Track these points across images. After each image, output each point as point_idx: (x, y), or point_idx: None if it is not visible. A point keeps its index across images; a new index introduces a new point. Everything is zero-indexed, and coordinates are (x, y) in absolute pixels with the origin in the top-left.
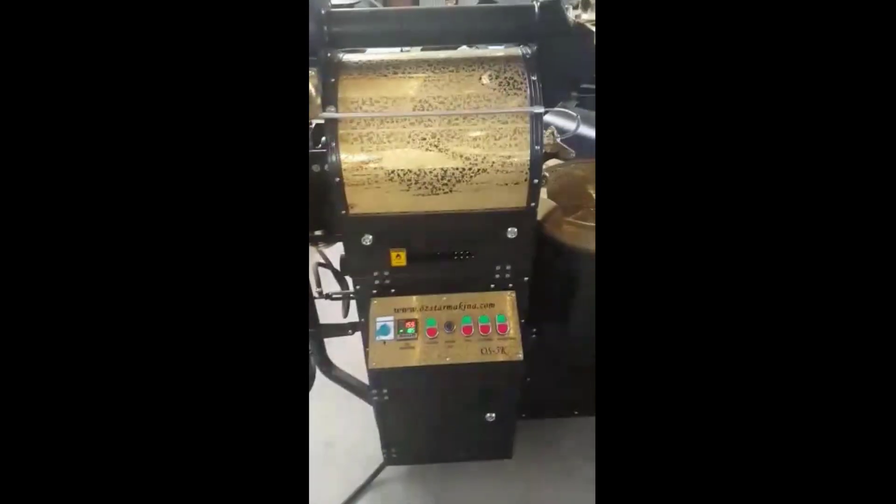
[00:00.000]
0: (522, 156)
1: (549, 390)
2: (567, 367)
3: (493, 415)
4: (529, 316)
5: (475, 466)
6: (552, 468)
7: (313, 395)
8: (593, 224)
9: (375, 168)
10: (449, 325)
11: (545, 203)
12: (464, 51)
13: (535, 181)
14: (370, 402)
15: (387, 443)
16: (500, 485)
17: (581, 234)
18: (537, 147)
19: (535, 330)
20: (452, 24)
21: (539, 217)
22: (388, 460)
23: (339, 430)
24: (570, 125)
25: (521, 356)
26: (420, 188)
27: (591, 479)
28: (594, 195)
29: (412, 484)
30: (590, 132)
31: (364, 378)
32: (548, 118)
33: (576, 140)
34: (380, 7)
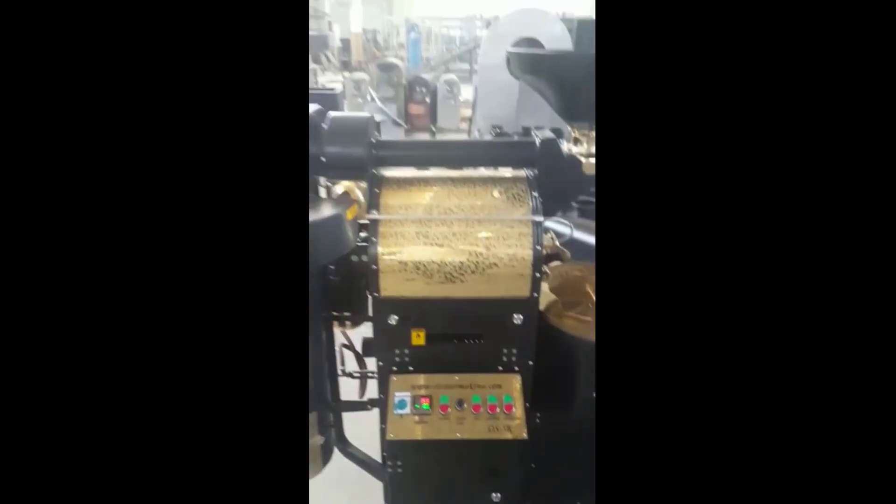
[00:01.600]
0: (526, 253)
1: (552, 478)
2: (569, 456)
3: (499, 495)
4: (533, 401)
5: None
6: None
7: (328, 481)
8: (590, 318)
9: (406, 259)
10: (460, 403)
11: (547, 296)
12: (480, 171)
13: (537, 274)
14: (381, 479)
15: None
16: None
17: (580, 327)
18: (538, 247)
19: (538, 415)
20: (472, 151)
21: (542, 307)
22: None
23: None
24: (566, 230)
25: (525, 435)
26: (441, 277)
27: None
28: (592, 293)
29: None
30: (586, 238)
31: (375, 456)
32: (548, 224)
33: (573, 245)
34: (402, 126)
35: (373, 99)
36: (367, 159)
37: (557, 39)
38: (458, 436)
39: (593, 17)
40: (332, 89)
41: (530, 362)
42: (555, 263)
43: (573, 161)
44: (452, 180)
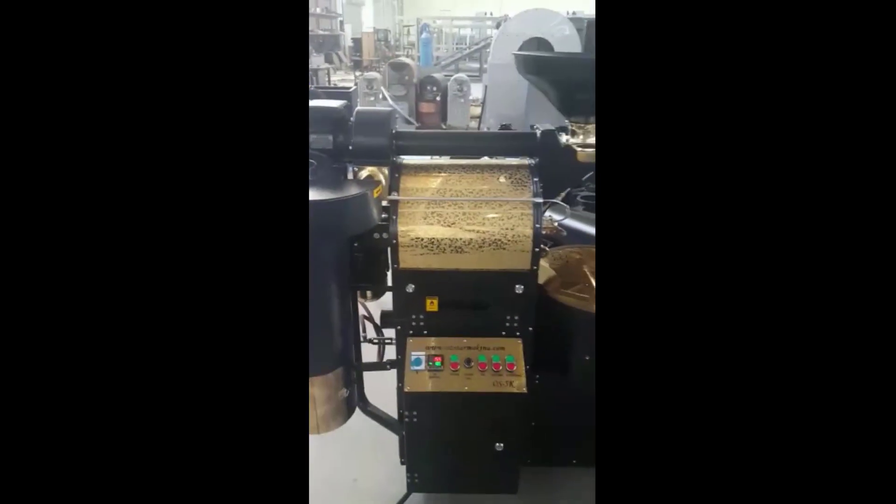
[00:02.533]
0: (527, 231)
1: (550, 438)
2: (565, 417)
3: (502, 445)
4: (534, 364)
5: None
6: None
7: (344, 434)
8: (588, 296)
9: (421, 235)
10: (468, 361)
11: (547, 272)
12: (487, 160)
13: (536, 250)
14: (398, 433)
15: (411, 467)
16: None
17: (578, 302)
18: (538, 226)
19: (537, 376)
20: (481, 141)
21: (542, 282)
22: (411, 486)
23: (367, 470)
24: (561, 215)
25: (525, 390)
26: (451, 251)
27: None
28: (590, 274)
29: None
30: (585, 228)
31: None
32: (548, 213)
33: (577, 235)
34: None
35: (384, 97)
36: (389, 148)
37: (566, 39)
38: (466, 389)
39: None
40: (347, 88)
41: (530, 328)
42: (556, 247)
43: (569, 151)
44: (463, 167)
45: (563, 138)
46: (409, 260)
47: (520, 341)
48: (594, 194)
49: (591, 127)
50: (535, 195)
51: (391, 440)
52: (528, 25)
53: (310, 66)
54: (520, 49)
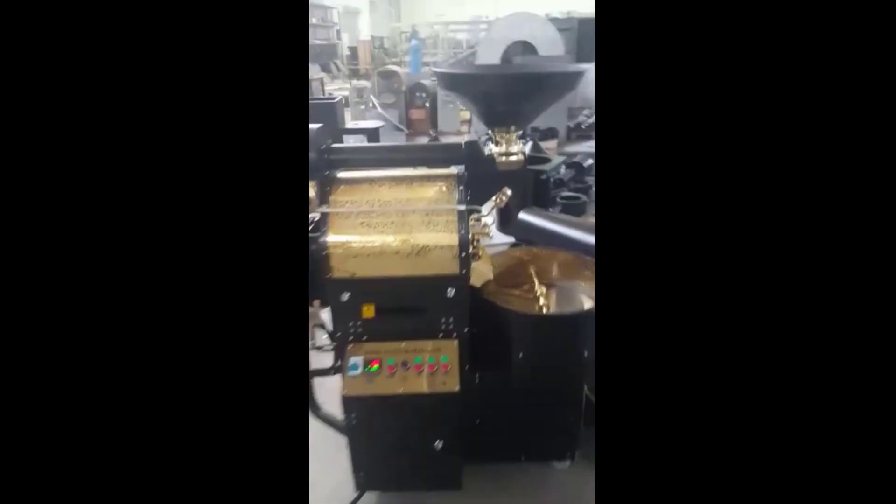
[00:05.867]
0: (453, 238)
1: (496, 436)
2: (508, 414)
3: (441, 442)
4: (474, 363)
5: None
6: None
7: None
8: (532, 296)
9: (352, 244)
10: (405, 364)
11: (482, 275)
12: (417, 170)
13: (463, 255)
14: (346, 434)
15: (355, 467)
16: None
17: (524, 303)
18: (463, 232)
19: (478, 375)
20: (411, 153)
21: (478, 285)
22: (358, 485)
23: (322, 474)
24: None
25: (457, 388)
26: (383, 259)
27: None
28: (534, 274)
29: None
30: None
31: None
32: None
33: (551, 236)
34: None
35: (374, 105)
36: (319, 163)
37: (549, 41)
38: (402, 391)
39: (593, 15)
40: (332, 97)
41: (466, 329)
42: (502, 248)
43: (492, 160)
44: (392, 178)
45: (488, 148)
46: (341, 269)
47: (455, 342)
48: (573, 195)
49: (512, 136)
50: (460, 202)
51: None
52: (513, 29)
53: None
54: (504, 53)
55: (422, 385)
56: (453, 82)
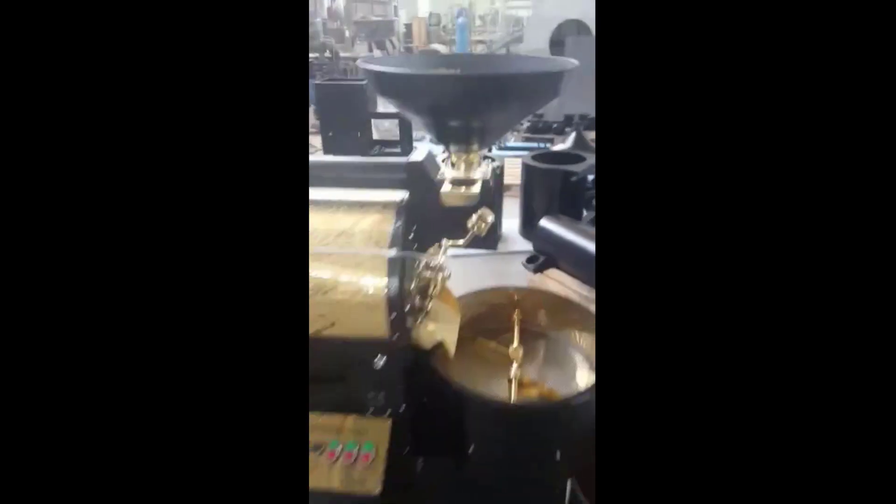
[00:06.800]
0: (377, 293)
1: None
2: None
3: None
4: (417, 445)
5: None
6: None
7: None
8: (508, 348)
9: None
10: (317, 447)
11: (433, 337)
12: (348, 194)
13: (394, 315)
14: None
15: None
16: None
17: (481, 368)
18: (395, 283)
19: (421, 459)
20: (343, 172)
21: (429, 347)
22: None
23: None
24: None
25: (377, 491)
26: None
27: None
28: (517, 320)
29: None
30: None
31: None
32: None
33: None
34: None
35: None
36: None
37: None
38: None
39: None
40: (361, 79)
41: (404, 405)
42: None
43: (439, 184)
44: (318, 203)
45: (441, 171)
46: None
47: (388, 423)
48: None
49: (474, 157)
50: (393, 243)
51: None
52: (565, 5)
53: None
54: (554, 32)
55: (334, 479)
56: (393, 87)
